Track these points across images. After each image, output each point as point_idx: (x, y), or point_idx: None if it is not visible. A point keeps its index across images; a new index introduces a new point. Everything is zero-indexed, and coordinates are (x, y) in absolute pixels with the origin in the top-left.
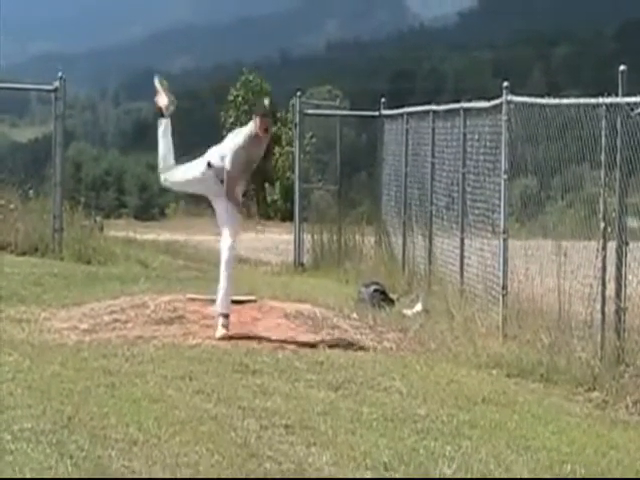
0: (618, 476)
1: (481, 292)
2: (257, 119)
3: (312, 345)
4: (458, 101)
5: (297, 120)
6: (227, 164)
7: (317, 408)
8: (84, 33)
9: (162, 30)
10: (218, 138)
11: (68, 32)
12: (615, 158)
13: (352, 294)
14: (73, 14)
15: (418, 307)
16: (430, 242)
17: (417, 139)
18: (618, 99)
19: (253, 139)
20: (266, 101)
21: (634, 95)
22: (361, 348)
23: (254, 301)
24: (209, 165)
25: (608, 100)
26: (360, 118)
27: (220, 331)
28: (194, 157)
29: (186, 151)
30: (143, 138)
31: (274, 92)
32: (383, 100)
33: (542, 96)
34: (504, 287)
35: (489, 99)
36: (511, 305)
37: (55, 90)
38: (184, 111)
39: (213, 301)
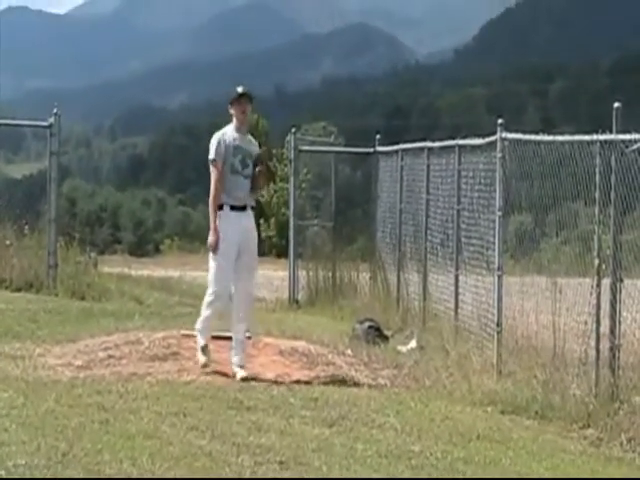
0: None
1: (476, 329)
2: None
3: (307, 382)
4: (453, 138)
5: (292, 156)
6: None
7: (311, 444)
8: (81, 69)
9: (160, 66)
10: None
11: (64, 68)
12: (609, 195)
13: (347, 331)
14: (70, 51)
15: (412, 344)
16: (425, 278)
17: (412, 176)
18: (612, 136)
19: None
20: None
21: (628, 132)
22: (355, 385)
23: (249, 338)
24: None
25: (602, 137)
26: (355, 155)
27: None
28: (191, 193)
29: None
30: (138, 174)
31: (269, 127)
32: (378, 136)
33: (537, 132)
34: (499, 324)
35: (484, 135)
36: (506, 342)
37: (50, 126)
38: (181, 147)
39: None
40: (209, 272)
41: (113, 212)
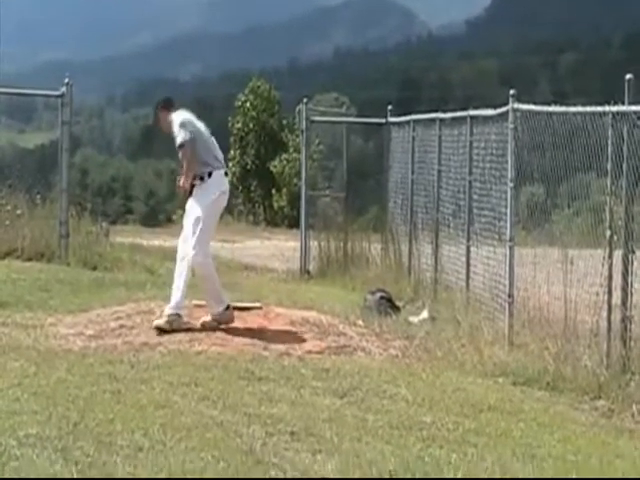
0: None
1: (487, 300)
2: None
3: (318, 352)
4: (465, 109)
5: (304, 127)
6: None
7: (323, 415)
8: (93, 41)
9: (171, 38)
10: (227, 145)
11: (77, 40)
12: (621, 166)
13: (358, 301)
14: (82, 22)
15: (424, 314)
16: (436, 250)
17: (424, 147)
18: (624, 107)
19: None
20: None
21: None
22: (367, 355)
23: (260, 308)
24: None
25: (614, 108)
26: (367, 125)
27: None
28: None
29: None
30: (150, 145)
31: (281, 98)
32: (390, 108)
33: (548, 104)
34: (510, 295)
35: (495, 107)
36: (517, 313)
37: (62, 96)
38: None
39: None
40: (199, 230)
41: (125, 182)
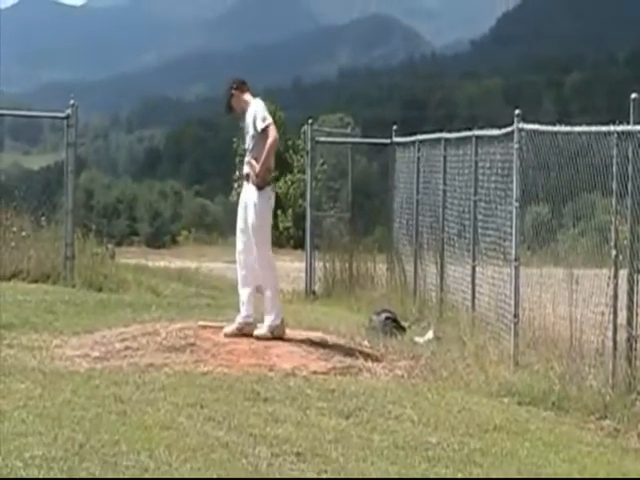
0: None
1: (493, 320)
2: None
3: (323, 373)
4: (470, 129)
5: (309, 147)
6: None
7: (328, 436)
8: (97, 61)
9: (176, 58)
10: (232, 165)
11: (81, 60)
12: (627, 186)
13: (363, 322)
14: (86, 42)
15: (429, 335)
16: (442, 270)
17: (429, 167)
18: (629, 127)
19: None
20: None
21: None
22: (372, 376)
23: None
24: None
25: (619, 128)
26: (372, 146)
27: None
28: (210, 185)
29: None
30: (155, 165)
31: (286, 119)
32: (395, 127)
33: (553, 123)
34: (516, 315)
35: (501, 127)
36: (523, 333)
37: (67, 117)
38: (198, 139)
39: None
40: (264, 259)
41: (130, 204)
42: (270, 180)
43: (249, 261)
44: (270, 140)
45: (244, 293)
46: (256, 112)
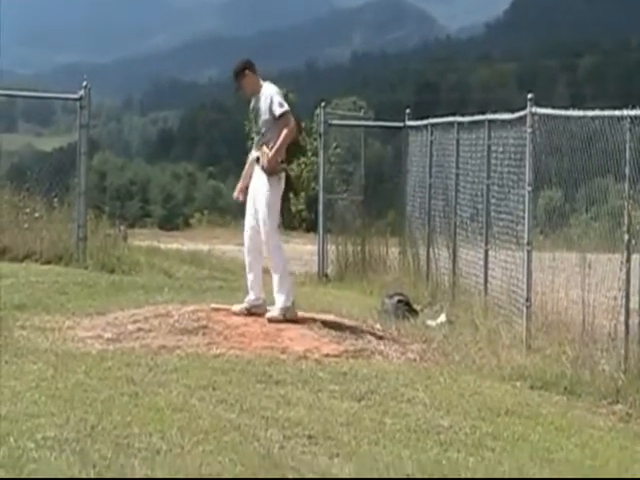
0: None
1: (505, 304)
2: None
3: (335, 356)
4: (483, 113)
5: (322, 130)
6: None
7: (340, 419)
8: (110, 43)
9: (189, 41)
10: (244, 149)
11: (94, 42)
12: (639, 171)
13: (376, 305)
14: (99, 25)
15: (442, 318)
16: (454, 253)
17: (441, 150)
18: None
19: None
20: None
21: None
22: (385, 359)
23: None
24: None
25: (632, 112)
26: (385, 129)
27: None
28: (222, 168)
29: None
30: (168, 147)
31: (299, 102)
32: (408, 111)
33: (567, 108)
34: (528, 299)
35: (514, 111)
36: (535, 317)
37: (80, 99)
38: (211, 122)
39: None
40: (276, 245)
41: (143, 186)
42: (279, 169)
43: (256, 245)
44: (286, 131)
45: (250, 278)
46: (272, 96)
